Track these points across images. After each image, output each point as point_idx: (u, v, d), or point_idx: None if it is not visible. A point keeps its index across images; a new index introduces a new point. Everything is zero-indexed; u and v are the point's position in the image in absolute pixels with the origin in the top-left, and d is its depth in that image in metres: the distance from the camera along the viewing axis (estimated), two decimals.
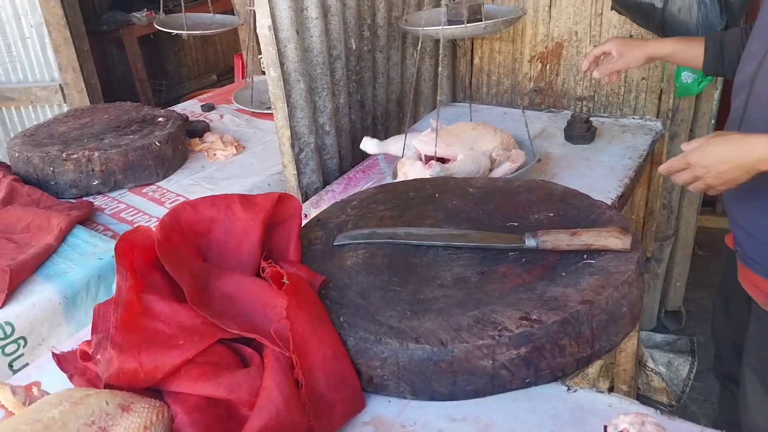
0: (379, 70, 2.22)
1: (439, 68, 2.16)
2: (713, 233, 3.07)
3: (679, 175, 1.24)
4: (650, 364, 2.45)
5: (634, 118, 2.19)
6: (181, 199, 1.97)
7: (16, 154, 2.01)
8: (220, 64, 5.70)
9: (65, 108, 3.01)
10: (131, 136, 2.10)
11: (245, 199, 1.21)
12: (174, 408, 0.89)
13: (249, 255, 1.16)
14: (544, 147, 1.99)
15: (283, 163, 1.91)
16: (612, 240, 1.10)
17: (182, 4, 2.79)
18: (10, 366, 1.46)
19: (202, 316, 0.97)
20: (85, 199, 1.97)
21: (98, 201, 1.97)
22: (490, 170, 1.69)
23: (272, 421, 0.85)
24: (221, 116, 2.68)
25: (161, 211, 1.89)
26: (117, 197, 2.00)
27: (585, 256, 1.11)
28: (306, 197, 1.93)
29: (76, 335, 1.25)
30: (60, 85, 3.06)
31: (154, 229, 1.11)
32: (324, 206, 1.60)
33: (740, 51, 1.39)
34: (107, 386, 0.91)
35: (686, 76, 2.17)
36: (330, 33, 1.93)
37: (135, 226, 1.81)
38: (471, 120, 2.10)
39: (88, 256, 1.63)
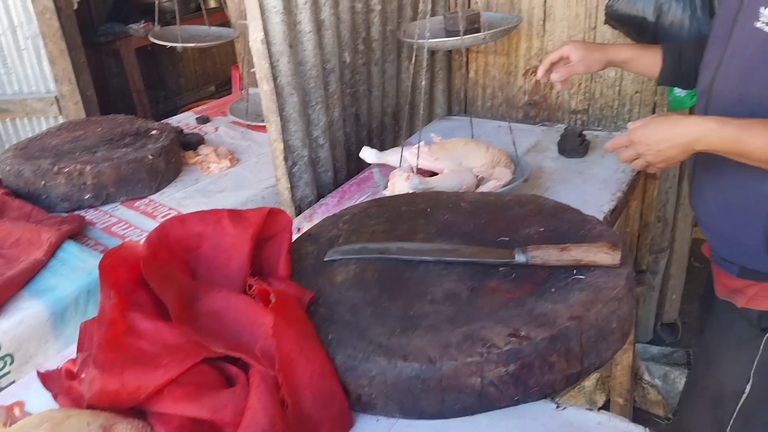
0: (374, 84, 2.21)
1: (435, 81, 2.16)
2: None
3: (622, 152, 1.31)
4: (646, 376, 2.44)
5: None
6: (174, 213, 1.96)
7: (8, 168, 2.00)
8: (218, 75, 5.71)
9: (61, 120, 3.01)
10: (124, 149, 2.09)
11: (235, 214, 1.21)
12: (157, 429, 0.88)
13: (238, 270, 1.15)
14: (538, 160, 1.99)
15: (276, 176, 1.90)
16: (601, 255, 1.09)
17: (177, 17, 2.80)
18: None
19: (187, 335, 0.96)
20: (76, 212, 1.96)
21: (90, 215, 1.96)
22: (477, 187, 1.68)
23: None
24: (216, 129, 2.67)
25: (153, 225, 1.84)
26: (109, 211, 1.99)
27: (575, 271, 1.10)
28: (299, 211, 1.93)
29: (63, 353, 1.23)
30: (56, 97, 3.06)
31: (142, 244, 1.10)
32: (317, 220, 1.60)
33: (698, 62, 1.40)
34: (90, 406, 0.89)
35: (680, 90, 2.17)
36: (324, 47, 1.93)
37: (126, 240, 1.81)
38: (472, 134, 2.09)
39: (78, 271, 1.61)
